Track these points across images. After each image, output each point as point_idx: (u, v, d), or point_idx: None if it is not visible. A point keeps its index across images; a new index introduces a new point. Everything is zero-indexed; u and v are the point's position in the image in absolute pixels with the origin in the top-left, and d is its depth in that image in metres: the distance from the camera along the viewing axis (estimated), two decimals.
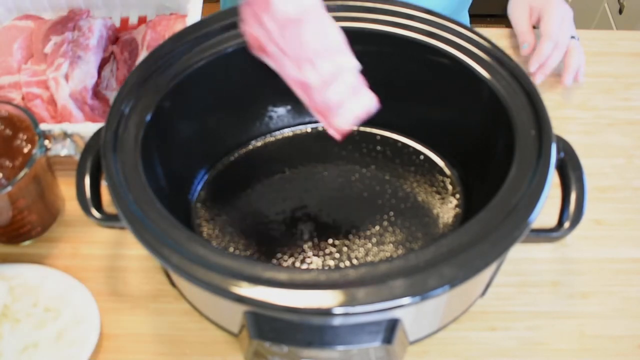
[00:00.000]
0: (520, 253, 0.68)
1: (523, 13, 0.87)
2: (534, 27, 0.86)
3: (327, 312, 0.45)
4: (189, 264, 0.47)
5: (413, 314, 0.54)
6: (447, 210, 0.67)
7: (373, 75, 0.68)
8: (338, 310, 0.45)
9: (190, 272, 0.47)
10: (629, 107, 0.83)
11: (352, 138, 0.72)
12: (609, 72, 0.87)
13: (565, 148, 0.57)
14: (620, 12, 1.55)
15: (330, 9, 0.64)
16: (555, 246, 0.69)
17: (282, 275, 0.46)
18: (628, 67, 0.88)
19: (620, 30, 1.53)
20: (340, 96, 0.54)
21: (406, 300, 0.45)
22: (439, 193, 0.68)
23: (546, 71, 0.81)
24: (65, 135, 0.67)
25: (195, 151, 0.68)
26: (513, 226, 0.49)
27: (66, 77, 0.76)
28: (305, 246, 0.64)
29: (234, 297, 0.46)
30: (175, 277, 0.62)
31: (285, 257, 0.64)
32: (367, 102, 0.56)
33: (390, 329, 0.51)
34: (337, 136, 0.56)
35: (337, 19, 0.64)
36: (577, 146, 0.57)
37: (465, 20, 1.03)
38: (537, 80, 0.82)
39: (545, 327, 0.63)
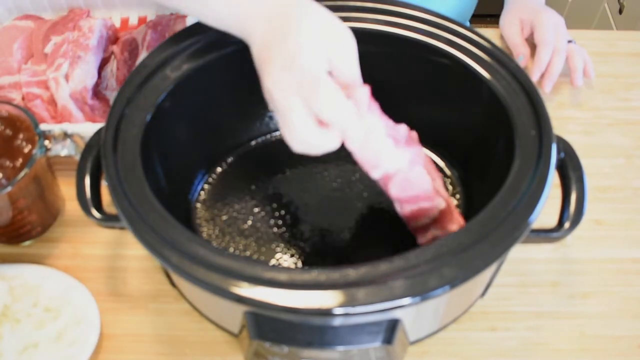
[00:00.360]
0: (520, 253, 0.67)
1: (514, 27, 0.88)
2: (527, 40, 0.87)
3: (327, 313, 0.45)
4: (189, 264, 0.47)
5: (413, 314, 0.54)
6: None
7: (373, 76, 0.68)
8: (338, 311, 0.45)
9: (190, 273, 0.47)
10: (629, 107, 0.83)
11: None
12: (609, 72, 0.87)
13: (566, 148, 0.57)
14: (620, 12, 1.55)
15: (330, 9, 0.64)
16: (555, 246, 0.69)
17: (282, 276, 0.46)
18: (628, 67, 0.88)
19: (620, 31, 1.53)
20: (425, 223, 0.59)
21: (406, 300, 0.45)
22: None
23: (553, 78, 0.82)
24: (66, 135, 0.67)
25: (195, 151, 0.68)
26: (513, 226, 0.49)
27: (66, 77, 0.76)
28: (305, 246, 0.64)
29: (234, 298, 0.46)
30: (175, 277, 0.62)
31: (285, 257, 0.64)
32: (453, 228, 0.58)
33: (391, 329, 0.51)
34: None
35: None
36: (577, 146, 0.57)
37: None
38: (547, 88, 0.82)
39: (545, 327, 0.63)
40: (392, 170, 0.57)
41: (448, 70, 0.62)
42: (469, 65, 0.60)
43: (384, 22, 0.63)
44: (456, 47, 0.61)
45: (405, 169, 0.57)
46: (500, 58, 0.60)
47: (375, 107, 0.56)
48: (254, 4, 0.53)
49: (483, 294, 0.64)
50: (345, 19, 0.64)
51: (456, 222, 0.58)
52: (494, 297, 0.65)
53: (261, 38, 0.52)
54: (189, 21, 0.77)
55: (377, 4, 0.64)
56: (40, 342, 0.59)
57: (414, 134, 0.61)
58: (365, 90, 0.54)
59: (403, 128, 0.60)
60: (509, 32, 0.88)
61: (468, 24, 1.04)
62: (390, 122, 0.58)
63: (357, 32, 0.63)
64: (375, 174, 0.57)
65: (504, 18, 0.91)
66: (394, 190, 0.58)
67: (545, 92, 0.82)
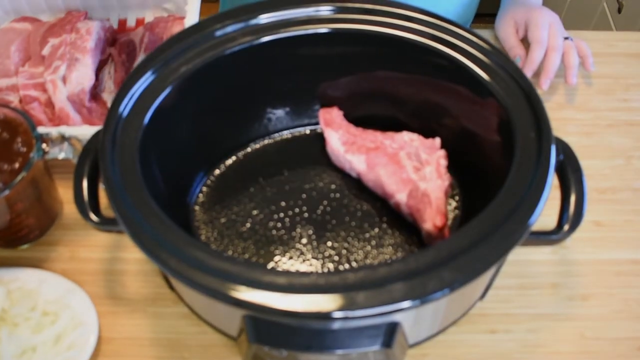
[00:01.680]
0: (519, 255, 0.67)
1: (509, 28, 0.88)
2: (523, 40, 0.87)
3: (326, 316, 0.45)
4: (187, 267, 0.47)
5: (413, 317, 0.54)
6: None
7: (371, 77, 0.68)
8: (337, 314, 0.45)
9: (188, 276, 0.47)
10: (628, 108, 0.83)
11: None
12: (609, 73, 0.87)
13: (565, 150, 0.57)
14: (619, 11, 1.55)
15: (331, 11, 0.64)
16: (554, 248, 0.69)
17: (281, 279, 0.46)
18: (627, 68, 0.88)
19: (620, 31, 1.53)
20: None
21: (406, 303, 0.45)
22: None
23: (550, 75, 0.81)
24: (63, 138, 0.66)
25: (194, 153, 0.68)
26: (513, 229, 0.49)
27: (64, 80, 0.76)
28: (304, 249, 0.64)
29: (232, 301, 0.46)
30: (174, 281, 0.62)
31: (284, 260, 0.63)
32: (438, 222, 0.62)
33: (390, 332, 0.51)
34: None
35: (336, 20, 0.64)
36: (576, 147, 0.57)
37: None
38: (545, 86, 0.81)
39: (545, 329, 0.63)
40: (359, 169, 0.67)
41: (447, 72, 0.62)
42: (468, 67, 0.60)
43: (382, 24, 0.63)
44: (455, 49, 0.61)
45: (365, 171, 0.66)
46: (498, 59, 0.60)
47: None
48: None
49: (482, 296, 0.64)
50: (343, 21, 0.64)
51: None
52: (494, 299, 0.65)
53: None
54: (187, 23, 0.76)
55: (376, 6, 0.64)
56: (39, 346, 0.59)
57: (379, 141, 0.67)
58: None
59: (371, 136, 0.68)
60: (503, 34, 0.88)
61: (469, 26, 1.04)
62: (353, 133, 0.68)
63: (355, 34, 0.64)
64: (352, 173, 0.69)
65: (499, 20, 0.91)
66: (370, 184, 0.67)
67: (543, 89, 0.82)
